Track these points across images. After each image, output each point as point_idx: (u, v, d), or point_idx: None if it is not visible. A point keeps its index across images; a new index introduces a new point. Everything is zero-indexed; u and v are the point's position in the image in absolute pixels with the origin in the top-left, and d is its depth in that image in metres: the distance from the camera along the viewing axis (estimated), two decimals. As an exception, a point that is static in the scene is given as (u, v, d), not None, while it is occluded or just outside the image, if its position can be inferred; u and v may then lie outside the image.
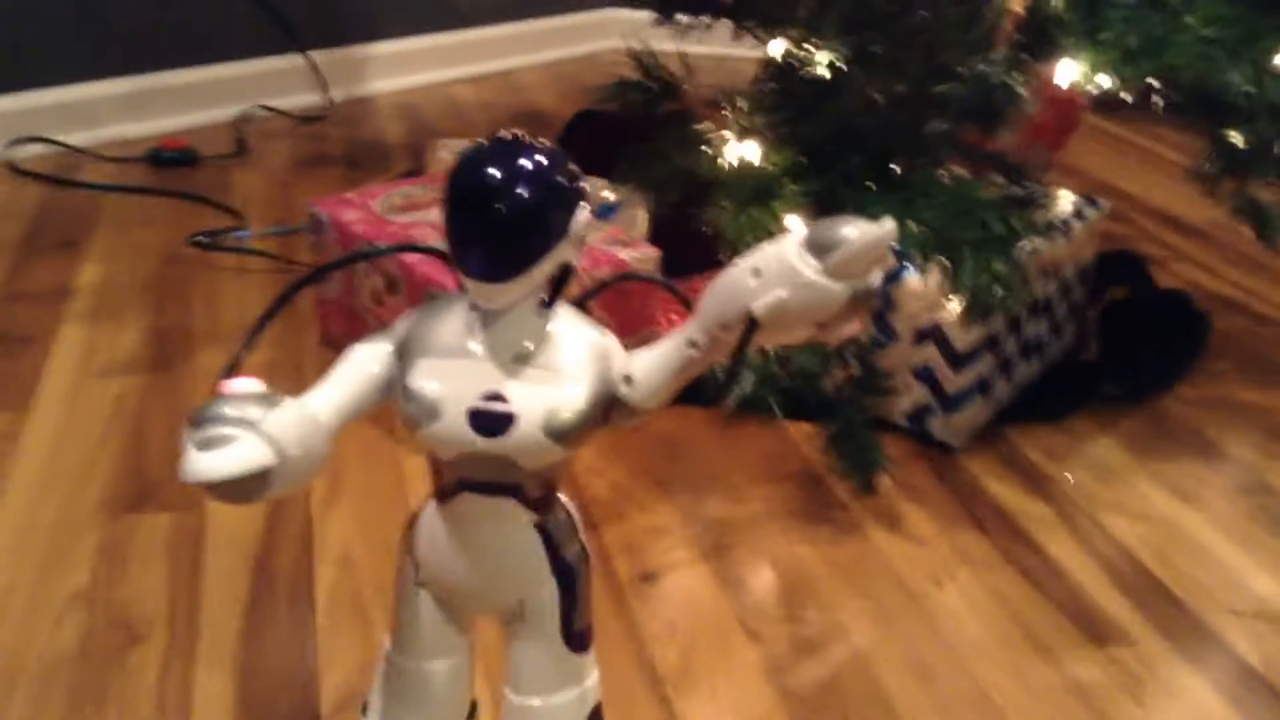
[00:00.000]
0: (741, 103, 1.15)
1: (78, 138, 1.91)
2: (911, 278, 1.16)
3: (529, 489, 0.55)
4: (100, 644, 0.90)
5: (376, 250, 0.58)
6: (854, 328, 0.48)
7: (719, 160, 1.13)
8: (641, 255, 1.22)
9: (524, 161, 0.48)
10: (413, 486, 1.11)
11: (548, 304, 0.52)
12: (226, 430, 0.45)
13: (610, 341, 0.54)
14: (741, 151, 1.12)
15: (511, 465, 0.53)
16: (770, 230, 1.03)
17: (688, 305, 0.52)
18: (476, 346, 0.52)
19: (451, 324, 0.53)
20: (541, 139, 0.50)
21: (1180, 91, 1.12)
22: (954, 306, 1.14)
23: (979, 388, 1.19)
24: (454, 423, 0.52)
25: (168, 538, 1.02)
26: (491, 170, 0.48)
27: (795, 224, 1.06)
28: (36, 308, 1.39)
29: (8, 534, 1.01)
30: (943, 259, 1.04)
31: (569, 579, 0.58)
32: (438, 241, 0.51)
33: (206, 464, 0.45)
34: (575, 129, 1.94)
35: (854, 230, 0.45)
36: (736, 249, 1.04)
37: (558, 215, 0.49)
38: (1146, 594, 1.04)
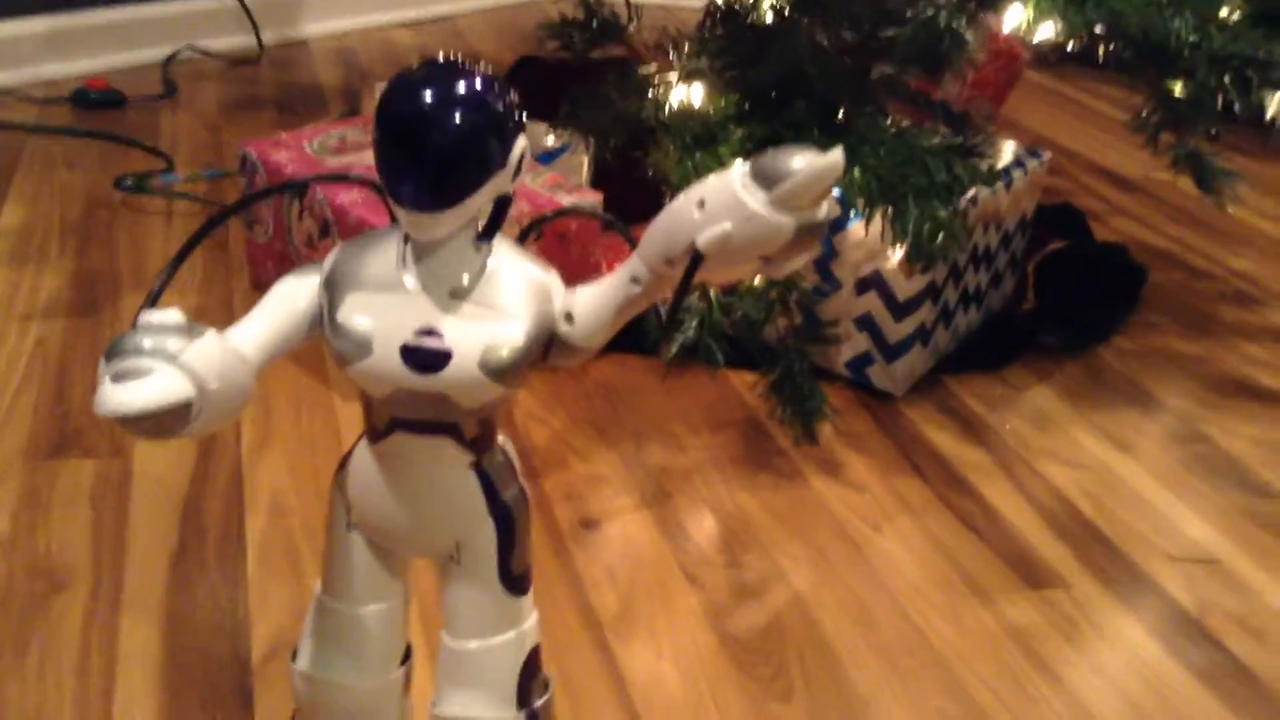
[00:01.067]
0: (686, 46, 1.13)
1: (0, 77, 1.84)
2: (854, 226, 1.16)
3: (465, 428, 0.53)
4: (20, 591, 0.87)
5: (304, 180, 0.55)
6: (800, 262, 0.47)
7: (663, 105, 1.11)
8: (584, 200, 1.20)
9: (461, 86, 0.46)
10: (346, 432, 1.08)
11: (484, 237, 0.50)
12: (143, 362, 0.43)
13: (551, 278, 0.52)
14: (685, 96, 1.10)
15: (447, 403, 0.51)
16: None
17: (632, 244, 0.50)
18: (410, 280, 0.50)
19: (383, 257, 0.50)
20: (479, 64, 0.48)
21: (1123, 41, 1.11)
22: (896, 255, 1.14)
23: (920, 336, 1.19)
24: (386, 359, 0.50)
25: (91, 484, 0.99)
26: (426, 94, 0.45)
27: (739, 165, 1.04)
28: (-47, 250, 1.34)
29: (-77, 481, 0.98)
30: (886, 206, 1.03)
31: (507, 521, 0.57)
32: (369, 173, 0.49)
33: (121, 396, 0.42)
34: (516, 73, 1.90)
35: (801, 160, 0.43)
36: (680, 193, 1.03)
37: (495, 143, 0.46)
38: (1082, 539, 1.05)
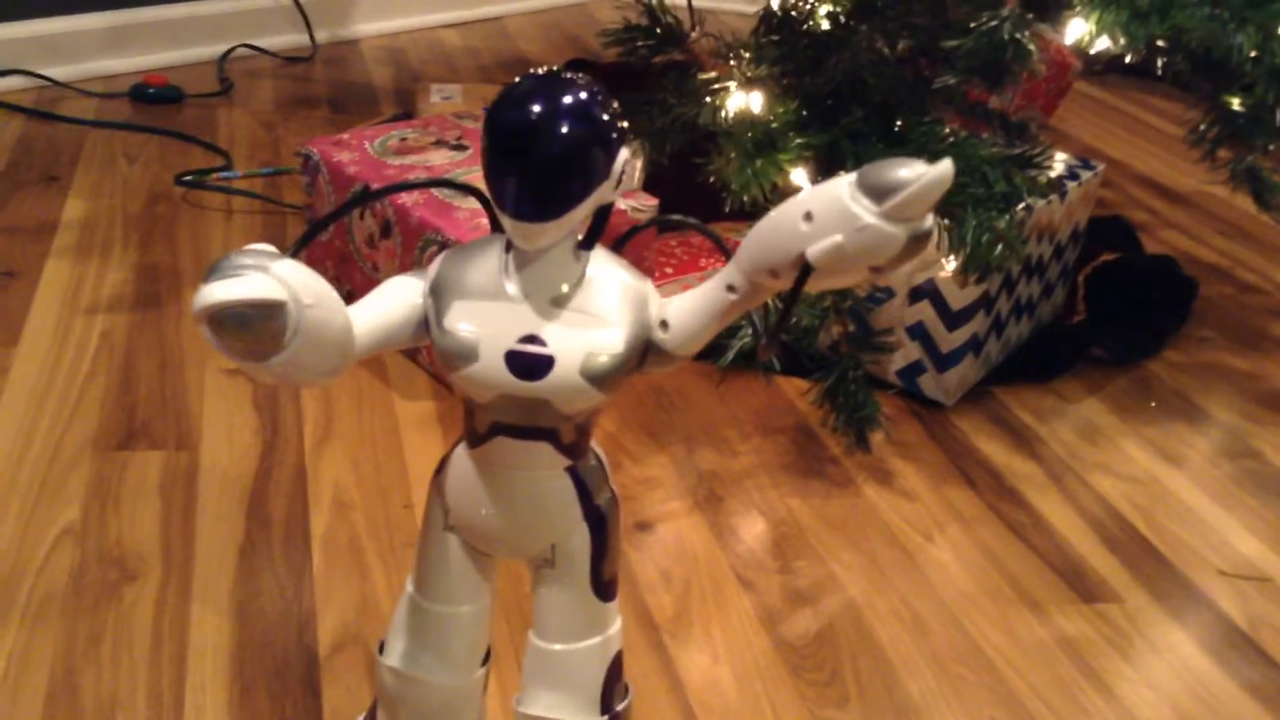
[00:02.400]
0: (745, 53, 1.14)
1: (58, 71, 1.87)
2: (909, 234, 1.16)
3: (563, 434, 0.55)
4: (93, 580, 0.89)
5: (418, 183, 0.56)
6: (906, 268, 0.47)
7: (721, 111, 1.12)
8: (641, 204, 1.21)
9: (568, 98, 0.47)
10: (405, 430, 1.10)
11: (585, 246, 0.52)
12: (238, 265, 0.43)
13: (647, 286, 0.53)
14: (744, 102, 1.11)
15: (547, 409, 0.52)
16: (776, 182, 1.02)
17: (727, 254, 0.51)
18: (512, 288, 0.51)
19: (486, 265, 0.52)
20: (585, 75, 0.49)
21: (1184, 54, 1.11)
22: (950, 265, 1.14)
23: (972, 346, 1.20)
24: (491, 364, 0.51)
25: (159, 476, 1.01)
26: (535, 107, 0.46)
27: (801, 178, 1.05)
28: (21, 242, 1.37)
29: (-4, 469, 1.00)
30: (943, 216, 1.03)
31: (600, 525, 0.58)
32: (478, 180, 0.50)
33: (215, 288, 0.42)
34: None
35: (911, 172, 0.43)
36: (741, 201, 1.04)
37: (600, 154, 0.47)
38: (1133, 552, 1.05)
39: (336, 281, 1.26)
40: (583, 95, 0.47)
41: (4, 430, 1.05)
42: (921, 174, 0.42)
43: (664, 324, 0.52)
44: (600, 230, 0.52)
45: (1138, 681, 0.90)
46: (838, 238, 0.44)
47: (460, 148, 1.28)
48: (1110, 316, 1.42)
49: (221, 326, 0.43)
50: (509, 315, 0.51)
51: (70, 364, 1.15)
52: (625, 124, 0.49)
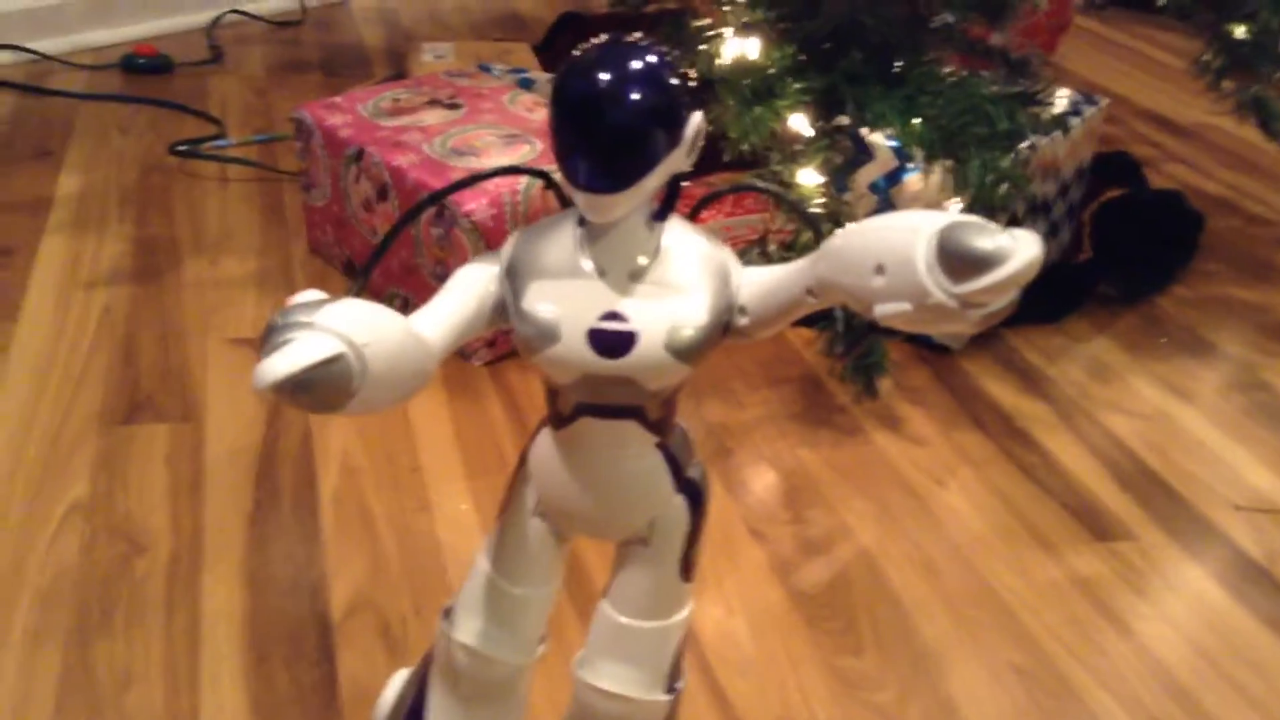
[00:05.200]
0: (740, -1, 1.12)
1: (47, 45, 1.85)
2: (911, 178, 1.15)
3: (650, 410, 0.53)
4: (103, 554, 0.89)
5: (486, 174, 0.55)
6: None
7: (718, 58, 1.10)
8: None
9: (636, 65, 0.45)
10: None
11: (659, 216, 0.50)
12: (284, 335, 0.43)
13: (725, 253, 0.51)
14: (741, 49, 1.10)
15: (632, 386, 0.51)
16: (774, 129, 1.01)
17: (812, 225, 0.49)
18: (588, 264, 0.49)
19: (559, 243, 0.50)
20: (652, 40, 0.47)
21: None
22: (955, 207, 1.13)
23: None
24: (574, 344, 0.49)
25: (165, 448, 1.01)
26: (602, 75, 0.44)
27: (801, 123, 1.04)
28: (17, 218, 1.36)
29: (2, 444, 1.00)
30: (947, 157, 1.02)
31: (696, 497, 0.57)
32: (540, 161, 0.48)
33: (270, 365, 0.42)
34: (560, 30, 1.90)
35: (994, 245, 0.39)
36: (740, 149, 1.02)
37: (671, 122, 0.46)
38: (1146, 489, 1.04)
39: (335, 245, 1.25)
40: (651, 60, 0.45)
41: (7, 408, 1.04)
42: (1005, 251, 0.39)
43: (743, 309, 0.50)
44: (674, 200, 0.50)
45: (1154, 618, 0.90)
46: (906, 307, 0.41)
47: (454, 106, 1.26)
48: (1117, 254, 1.41)
49: (287, 396, 0.42)
50: (588, 293, 0.49)
51: (71, 339, 1.14)
52: (694, 89, 0.47)
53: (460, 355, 1.15)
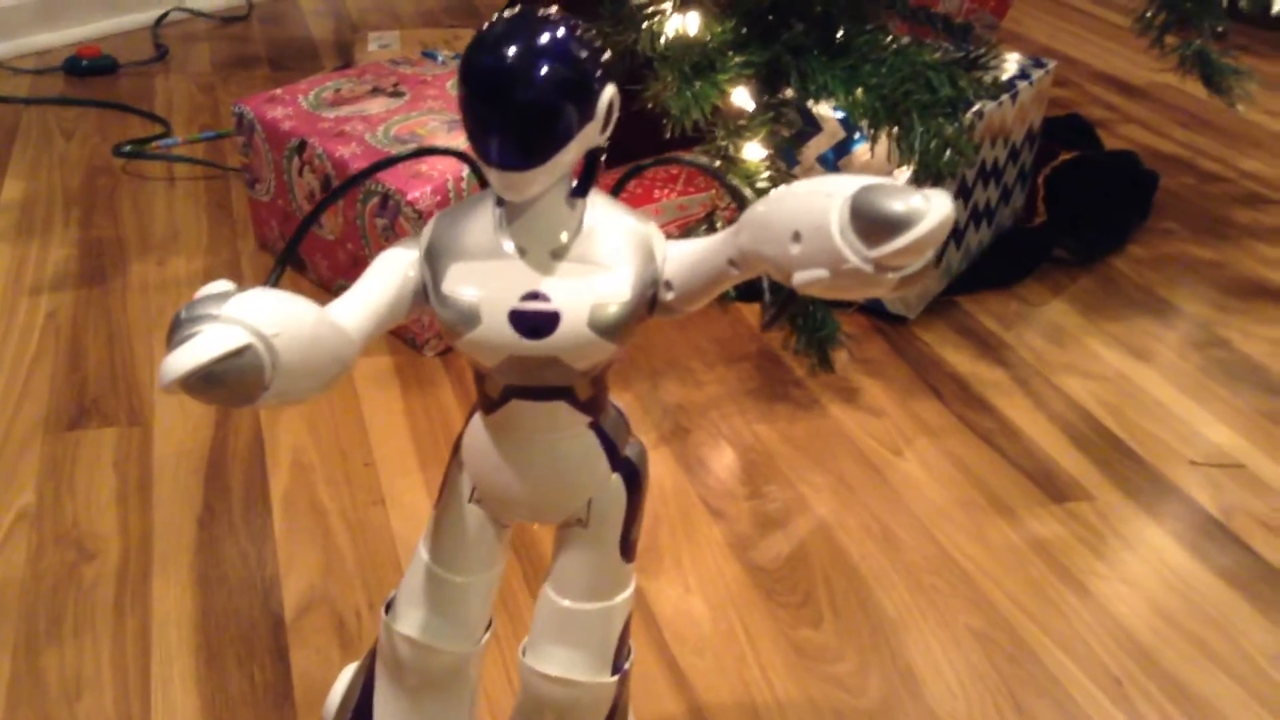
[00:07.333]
0: (678, -27, 1.11)
1: (-13, 50, 1.82)
2: (859, 149, 1.14)
3: (579, 390, 0.52)
4: (51, 562, 0.88)
5: (399, 156, 0.54)
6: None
7: (659, 35, 1.09)
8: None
9: (544, 38, 0.44)
10: (363, 387, 1.08)
11: (578, 193, 0.49)
12: (189, 329, 0.41)
13: (650, 228, 0.50)
14: (682, 24, 1.08)
15: (559, 366, 0.50)
16: (716, 104, 1.00)
17: (735, 196, 0.48)
18: (508, 244, 0.48)
19: (479, 224, 0.49)
20: (561, 12, 0.46)
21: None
22: (903, 175, 1.12)
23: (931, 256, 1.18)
24: (496, 326, 0.48)
25: (113, 453, 0.99)
26: (508, 49, 0.43)
27: (742, 97, 1.03)
28: (-42, 227, 1.34)
29: (-53, 458, 0.98)
30: (891, 126, 1.01)
31: (633, 476, 0.56)
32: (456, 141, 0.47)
33: (174, 359, 0.41)
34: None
35: (905, 207, 0.38)
36: (682, 126, 1.01)
37: (582, 96, 0.44)
38: (1103, 450, 1.04)
39: (281, 240, 1.24)
40: (559, 33, 0.44)
41: (-48, 419, 1.03)
42: (917, 213, 0.38)
43: (668, 284, 0.49)
44: (593, 175, 0.49)
45: (1112, 578, 0.90)
46: (823, 273, 0.41)
47: (397, 94, 1.25)
48: (1072, 216, 1.41)
49: (197, 391, 0.41)
50: (508, 273, 0.48)
51: (16, 346, 1.13)
52: (607, 59, 0.45)
53: (412, 347, 1.14)
